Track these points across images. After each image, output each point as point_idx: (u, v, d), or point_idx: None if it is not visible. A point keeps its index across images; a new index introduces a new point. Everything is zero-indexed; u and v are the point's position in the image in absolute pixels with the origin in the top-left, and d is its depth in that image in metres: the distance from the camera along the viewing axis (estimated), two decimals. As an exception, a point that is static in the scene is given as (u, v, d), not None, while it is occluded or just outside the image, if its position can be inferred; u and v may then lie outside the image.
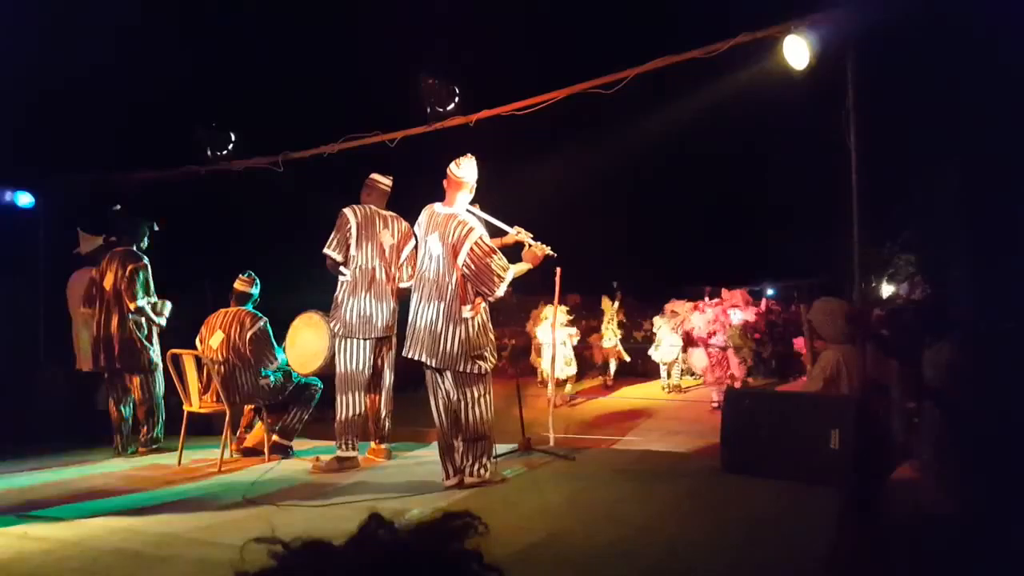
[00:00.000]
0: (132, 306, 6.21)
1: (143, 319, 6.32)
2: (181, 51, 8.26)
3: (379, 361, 5.56)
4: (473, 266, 4.64)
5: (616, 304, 10.35)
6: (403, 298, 5.64)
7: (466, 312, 4.66)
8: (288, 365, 5.91)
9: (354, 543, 0.77)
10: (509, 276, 4.73)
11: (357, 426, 5.37)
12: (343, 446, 5.32)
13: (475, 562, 0.80)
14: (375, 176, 5.66)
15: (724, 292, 9.88)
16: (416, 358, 4.72)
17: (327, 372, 5.66)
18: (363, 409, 5.42)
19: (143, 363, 6.29)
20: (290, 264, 7.46)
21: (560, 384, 8.19)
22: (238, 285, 6.03)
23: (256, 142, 7.20)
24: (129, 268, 6.24)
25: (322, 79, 9.44)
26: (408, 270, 5.57)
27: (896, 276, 11.50)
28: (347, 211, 5.49)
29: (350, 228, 5.42)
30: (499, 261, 4.70)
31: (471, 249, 4.63)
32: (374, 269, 5.44)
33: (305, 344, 5.76)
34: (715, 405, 8.40)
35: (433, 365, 4.66)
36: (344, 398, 5.37)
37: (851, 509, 3.16)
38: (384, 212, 5.59)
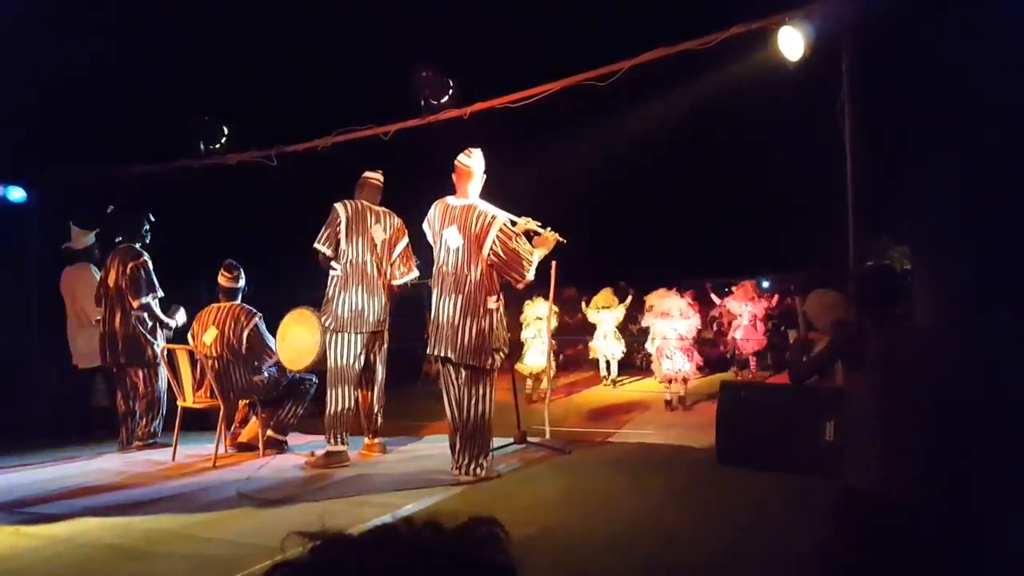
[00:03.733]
0: (136, 303, 6.19)
1: (146, 315, 6.30)
2: (174, 44, 8.20)
3: (371, 356, 5.54)
4: (502, 253, 4.63)
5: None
6: (398, 295, 5.65)
7: (491, 303, 4.66)
8: (279, 362, 5.87)
9: (379, 541, 0.74)
10: (536, 259, 4.75)
11: (346, 420, 5.36)
12: (332, 441, 5.30)
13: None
14: (367, 173, 5.70)
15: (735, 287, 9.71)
16: (442, 354, 4.69)
17: (319, 368, 5.63)
18: (352, 404, 5.40)
19: (147, 358, 6.28)
20: (285, 258, 7.43)
21: (537, 378, 8.09)
22: (222, 281, 5.98)
23: (249, 136, 7.17)
24: (130, 266, 6.24)
25: (315, 71, 9.37)
26: (403, 267, 5.57)
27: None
28: (337, 206, 5.49)
29: (340, 223, 5.41)
30: (525, 245, 4.72)
31: (497, 236, 4.62)
32: (365, 263, 5.41)
33: (296, 340, 5.72)
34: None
35: (453, 359, 4.64)
36: (333, 392, 5.36)
37: (846, 500, 3.16)
38: (376, 207, 5.58)
